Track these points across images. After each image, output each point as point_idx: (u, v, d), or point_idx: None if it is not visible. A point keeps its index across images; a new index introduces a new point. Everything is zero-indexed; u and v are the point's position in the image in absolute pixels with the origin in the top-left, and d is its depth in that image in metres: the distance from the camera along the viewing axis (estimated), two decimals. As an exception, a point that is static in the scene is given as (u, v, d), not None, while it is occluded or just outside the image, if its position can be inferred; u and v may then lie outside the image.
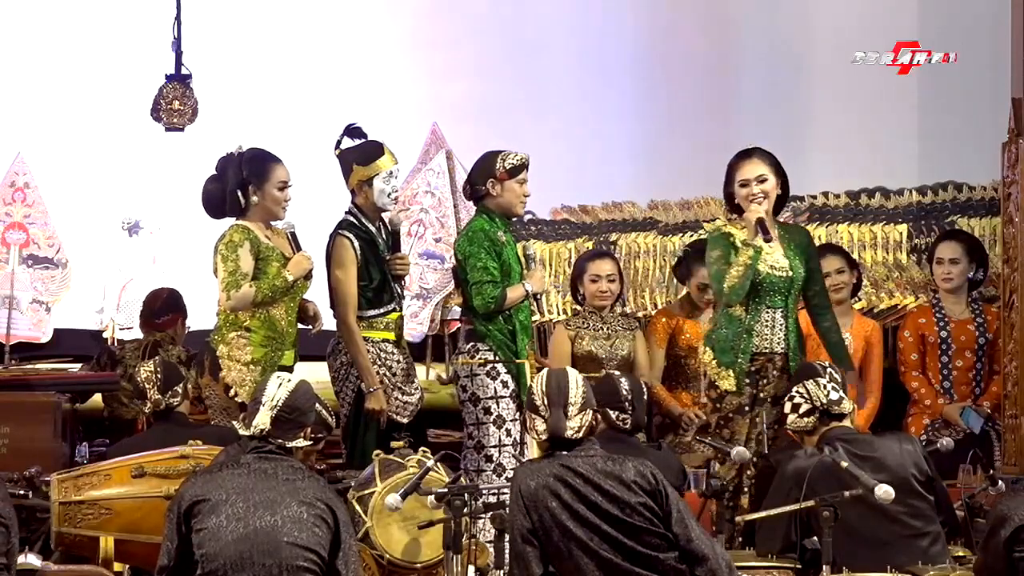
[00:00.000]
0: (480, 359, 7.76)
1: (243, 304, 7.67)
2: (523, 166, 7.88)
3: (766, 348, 7.59)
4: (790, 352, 7.56)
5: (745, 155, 7.67)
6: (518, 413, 7.78)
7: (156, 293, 9.36)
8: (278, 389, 5.72)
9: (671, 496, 5.82)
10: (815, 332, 7.81)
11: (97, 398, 9.22)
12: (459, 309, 8.68)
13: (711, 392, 7.71)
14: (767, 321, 7.60)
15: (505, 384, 7.80)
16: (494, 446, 7.75)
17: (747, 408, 7.51)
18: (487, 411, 7.78)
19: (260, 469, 5.58)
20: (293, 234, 7.86)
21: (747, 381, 7.53)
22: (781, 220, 7.88)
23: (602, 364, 8.65)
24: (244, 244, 7.69)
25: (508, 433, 7.77)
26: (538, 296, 7.97)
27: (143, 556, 6.54)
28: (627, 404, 7.00)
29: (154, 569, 5.62)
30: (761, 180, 7.59)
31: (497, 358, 7.76)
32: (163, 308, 9.24)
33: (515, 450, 7.76)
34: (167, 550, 5.54)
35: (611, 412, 6.98)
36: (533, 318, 8.14)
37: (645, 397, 7.18)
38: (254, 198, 7.76)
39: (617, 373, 7.35)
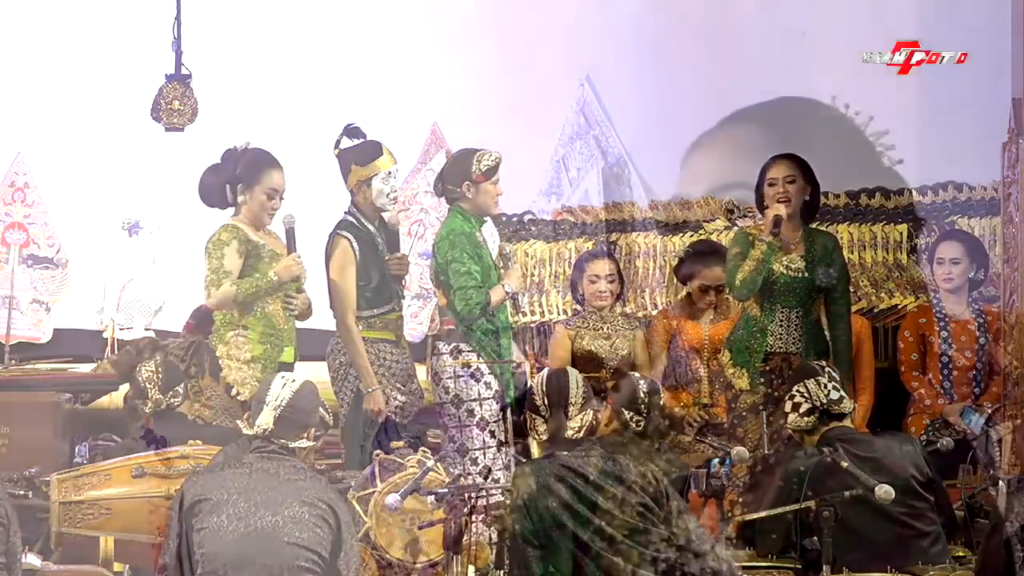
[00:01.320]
0: (463, 360, 7.72)
1: (224, 303, 7.67)
2: (497, 166, 7.85)
3: (780, 348, 7.62)
4: (804, 353, 7.58)
5: (779, 157, 7.81)
6: (501, 414, 7.76)
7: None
8: (282, 389, 5.72)
9: (671, 496, 5.82)
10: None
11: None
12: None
13: (728, 393, 7.74)
14: (782, 321, 7.63)
15: (488, 385, 7.76)
16: (478, 448, 7.71)
17: (761, 407, 7.53)
18: (471, 413, 7.74)
19: (262, 469, 5.58)
20: (291, 229, 7.83)
21: (761, 380, 7.55)
22: (813, 227, 7.92)
23: (602, 364, 8.64)
24: (231, 243, 7.69)
25: (492, 435, 7.73)
26: (516, 295, 7.93)
27: (143, 556, 6.55)
28: (643, 407, 7.01)
29: (154, 569, 5.62)
30: (789, 180, 7.68)
31: (481, 359, 7.73)
32: None
33: (499, 451, 7.72)
34: (168, 549, 5.54)
35: (626, 413, 6.98)
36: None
37: (662, 403, 7.18)
38: (241, 197, 7.76)
39: (637, 375, 7.35)
